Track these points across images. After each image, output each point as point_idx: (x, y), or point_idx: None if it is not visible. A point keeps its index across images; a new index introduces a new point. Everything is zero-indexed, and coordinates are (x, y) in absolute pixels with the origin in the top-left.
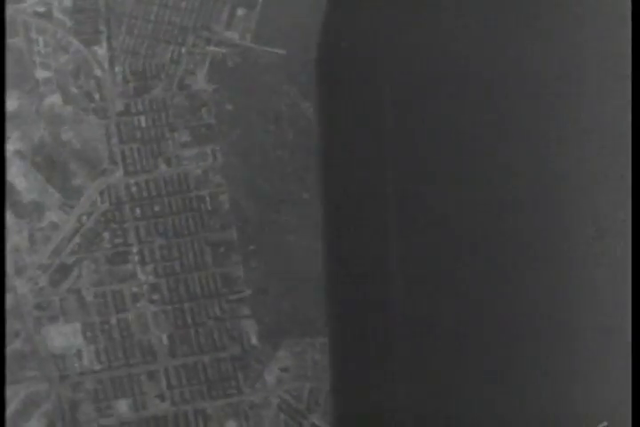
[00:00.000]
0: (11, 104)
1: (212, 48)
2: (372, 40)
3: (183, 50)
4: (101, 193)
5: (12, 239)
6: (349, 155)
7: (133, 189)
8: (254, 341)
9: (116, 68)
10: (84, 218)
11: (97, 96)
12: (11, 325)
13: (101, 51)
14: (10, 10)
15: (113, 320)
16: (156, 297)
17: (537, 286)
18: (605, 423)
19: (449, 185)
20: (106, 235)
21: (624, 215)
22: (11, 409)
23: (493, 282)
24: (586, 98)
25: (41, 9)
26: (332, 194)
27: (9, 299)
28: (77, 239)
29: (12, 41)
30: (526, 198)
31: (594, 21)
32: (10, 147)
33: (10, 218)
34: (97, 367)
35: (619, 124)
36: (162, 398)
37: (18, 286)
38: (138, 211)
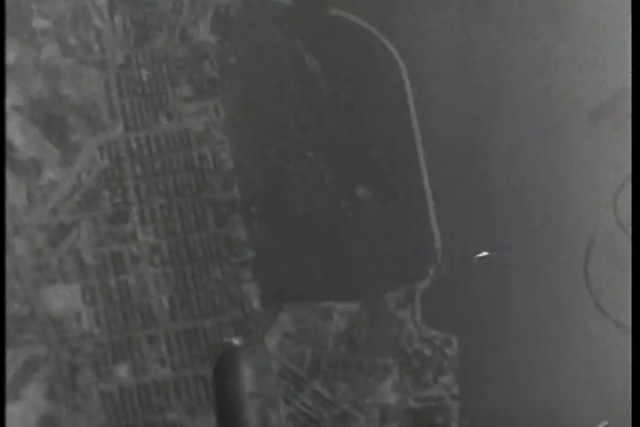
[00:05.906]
0: (9, 55)
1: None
2: None
3: None
4: (101, 149)
5: (10, 198)
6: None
7: (133, 145)
8: (256, 305)
9: (116, 18)
10: (84, 176)
11: (96, 47)
12: (8, 286)
13: None
14: None
15: (112, 282)
16: (156, 259)
17: (535, 288)
18: (605, 423)
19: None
20: (105, 193)
21: (625, 215)
22: (10, 373)
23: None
24: (584, 98)
25: None
26: None
27: (6, 259)
28: (76, 198)
29: None
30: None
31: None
32: (8, 101)
33: (7, 175)
34: (96, 331)
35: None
36: (162, 362)
37: (16, 246)
38: (138, 168)
